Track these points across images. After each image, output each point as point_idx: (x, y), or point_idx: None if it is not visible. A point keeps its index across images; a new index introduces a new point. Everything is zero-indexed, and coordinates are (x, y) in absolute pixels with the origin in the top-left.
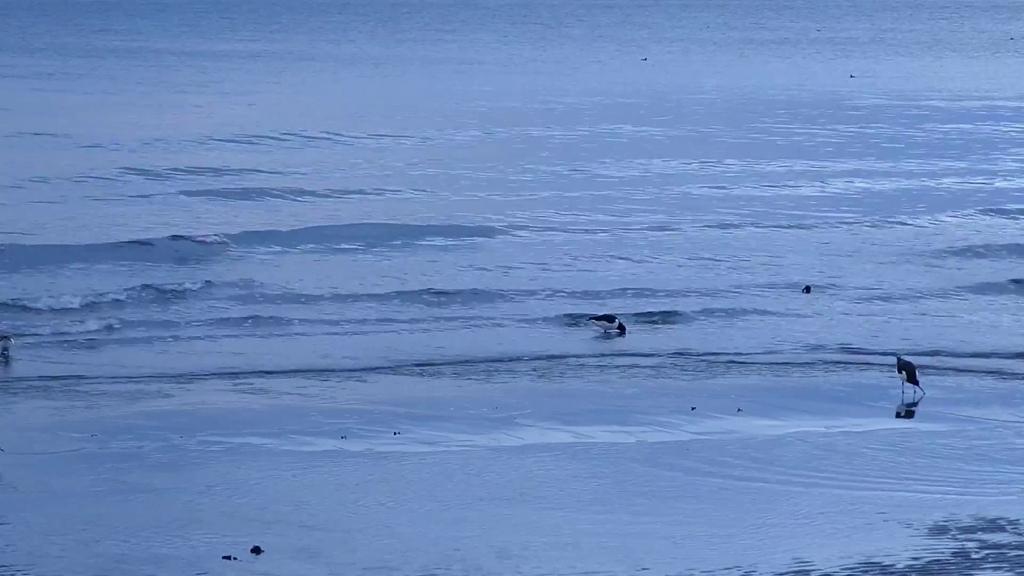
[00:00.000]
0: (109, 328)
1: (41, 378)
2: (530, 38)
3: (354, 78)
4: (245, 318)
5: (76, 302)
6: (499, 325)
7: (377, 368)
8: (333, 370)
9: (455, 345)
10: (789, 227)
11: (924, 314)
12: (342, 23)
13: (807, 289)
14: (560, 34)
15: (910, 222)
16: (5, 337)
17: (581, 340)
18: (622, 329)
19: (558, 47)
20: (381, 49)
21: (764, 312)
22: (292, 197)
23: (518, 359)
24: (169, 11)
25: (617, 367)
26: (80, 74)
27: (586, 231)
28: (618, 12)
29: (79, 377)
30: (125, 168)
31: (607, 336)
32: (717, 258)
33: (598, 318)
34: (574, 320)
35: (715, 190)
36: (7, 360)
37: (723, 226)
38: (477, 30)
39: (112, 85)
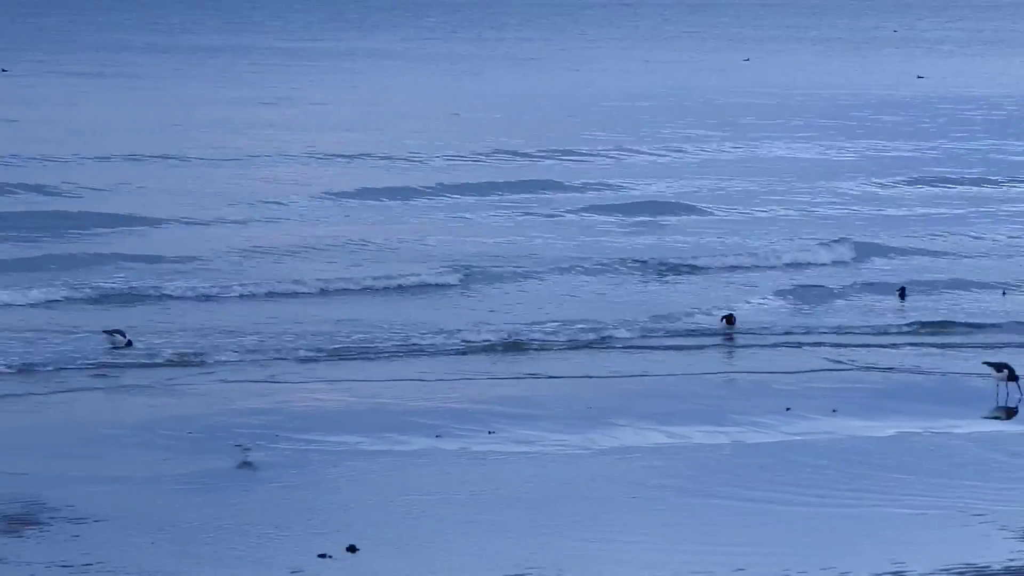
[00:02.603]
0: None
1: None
2: (620, 35)
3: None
4: None
5: None
6: None
7: None
8: None
9: None
10: None
11: None
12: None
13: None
14: (651, 33)
15: None
16: (119, 333)
17: None
18: None
19: (650, 46)
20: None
21: None
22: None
23: None
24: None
25: None
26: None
27: None
28: (712, 12)
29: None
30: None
31: None
32: None
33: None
34: None
35: None
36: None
37: None
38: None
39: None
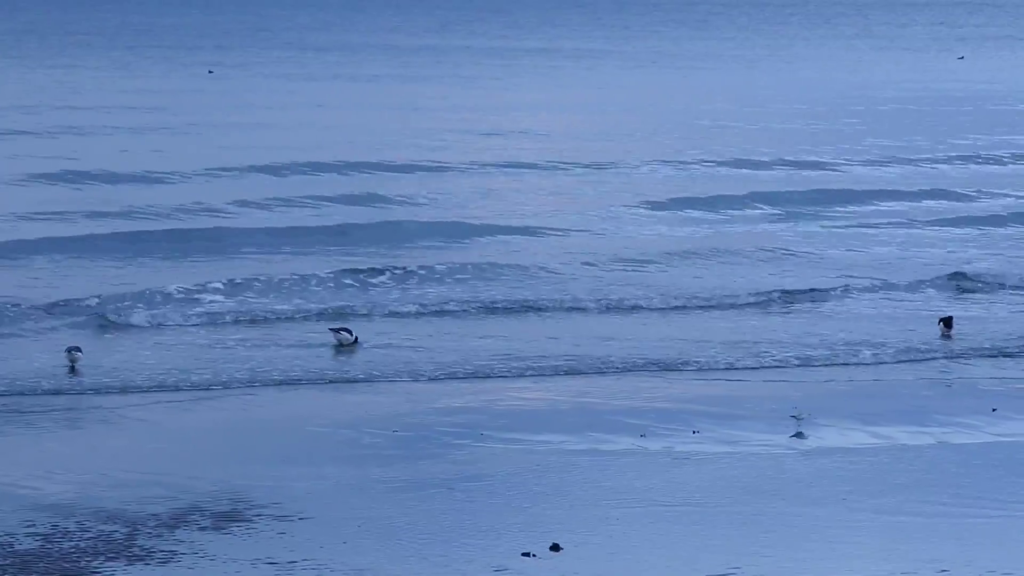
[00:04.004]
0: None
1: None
2: (832, 35)
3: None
4: None
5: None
6: None
7: None
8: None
9: None
10: None
11: None
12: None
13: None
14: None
15: None
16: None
17: None
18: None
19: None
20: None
21: None
22: None
23: None
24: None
25: None
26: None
27: None
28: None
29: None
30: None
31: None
32: None
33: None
34: None
35: None
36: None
37: None
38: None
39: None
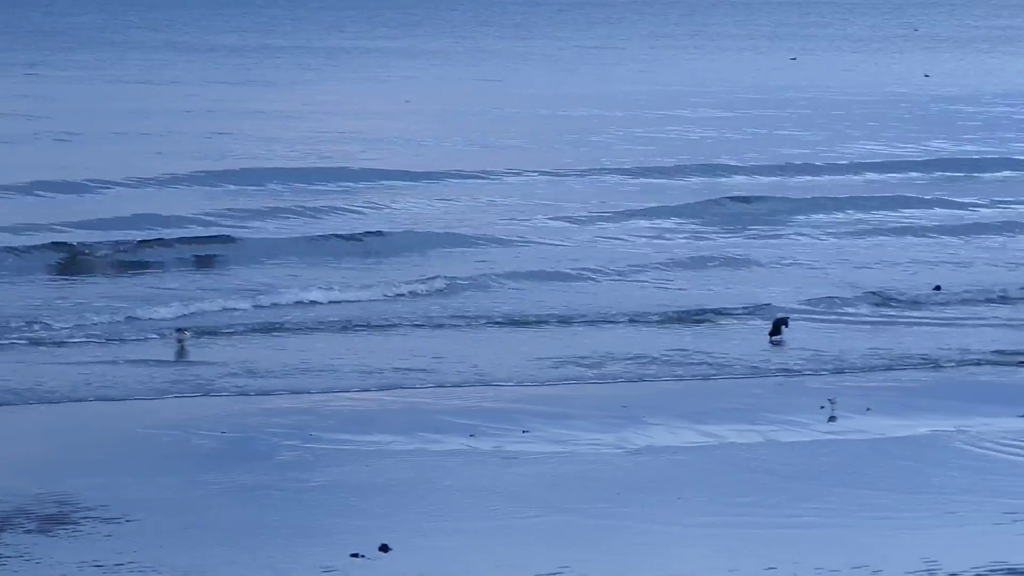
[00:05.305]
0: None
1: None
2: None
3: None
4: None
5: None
6: None
7: None
8: None
9: None
10: None
11: None
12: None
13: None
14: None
15: None
16: (181, 330)
17: None
18: None
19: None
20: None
21: None
22: None
23: None
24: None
25: None
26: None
27: None
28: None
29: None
30: None
31: None
32: None
33: None
34: None
35: None
36: (184, 352)
37: None
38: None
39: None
